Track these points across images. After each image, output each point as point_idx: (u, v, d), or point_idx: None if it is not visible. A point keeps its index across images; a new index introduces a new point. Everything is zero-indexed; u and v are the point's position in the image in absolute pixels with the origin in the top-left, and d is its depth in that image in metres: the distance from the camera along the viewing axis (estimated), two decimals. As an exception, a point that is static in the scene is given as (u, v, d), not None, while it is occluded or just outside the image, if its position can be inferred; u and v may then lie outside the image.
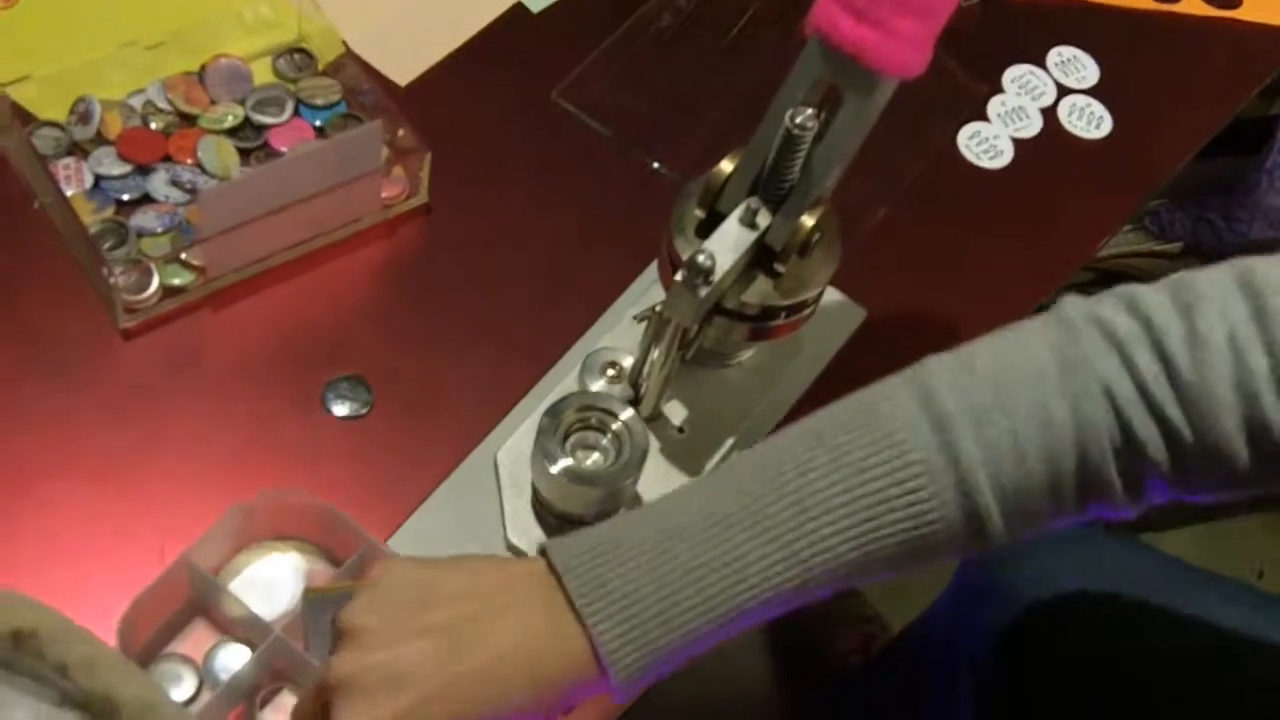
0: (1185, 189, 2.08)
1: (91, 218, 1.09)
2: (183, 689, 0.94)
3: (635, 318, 1.06)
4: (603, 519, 0.95)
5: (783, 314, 0.98)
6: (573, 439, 0.98)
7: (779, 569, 0.75)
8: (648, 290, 1.12)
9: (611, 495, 0.95)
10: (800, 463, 0.76)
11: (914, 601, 1.51)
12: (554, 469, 0.94)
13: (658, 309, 0.97)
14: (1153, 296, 0.75)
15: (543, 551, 0.78)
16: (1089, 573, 1.13)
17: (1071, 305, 0.78)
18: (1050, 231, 1.26)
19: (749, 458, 0.79)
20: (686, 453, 1.05)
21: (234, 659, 0.95)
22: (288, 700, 0.95)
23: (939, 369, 0.77)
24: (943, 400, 0.75)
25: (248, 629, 0.95)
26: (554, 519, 1.00)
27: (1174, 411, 0.73)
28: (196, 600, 0.97)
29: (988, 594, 1.20)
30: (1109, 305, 0.76)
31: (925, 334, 1.19)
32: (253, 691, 0.94)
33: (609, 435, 0.97)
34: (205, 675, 0.95)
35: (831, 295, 1.15)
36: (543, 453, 0.95)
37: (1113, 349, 0.74)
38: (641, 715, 1.75)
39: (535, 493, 1.00)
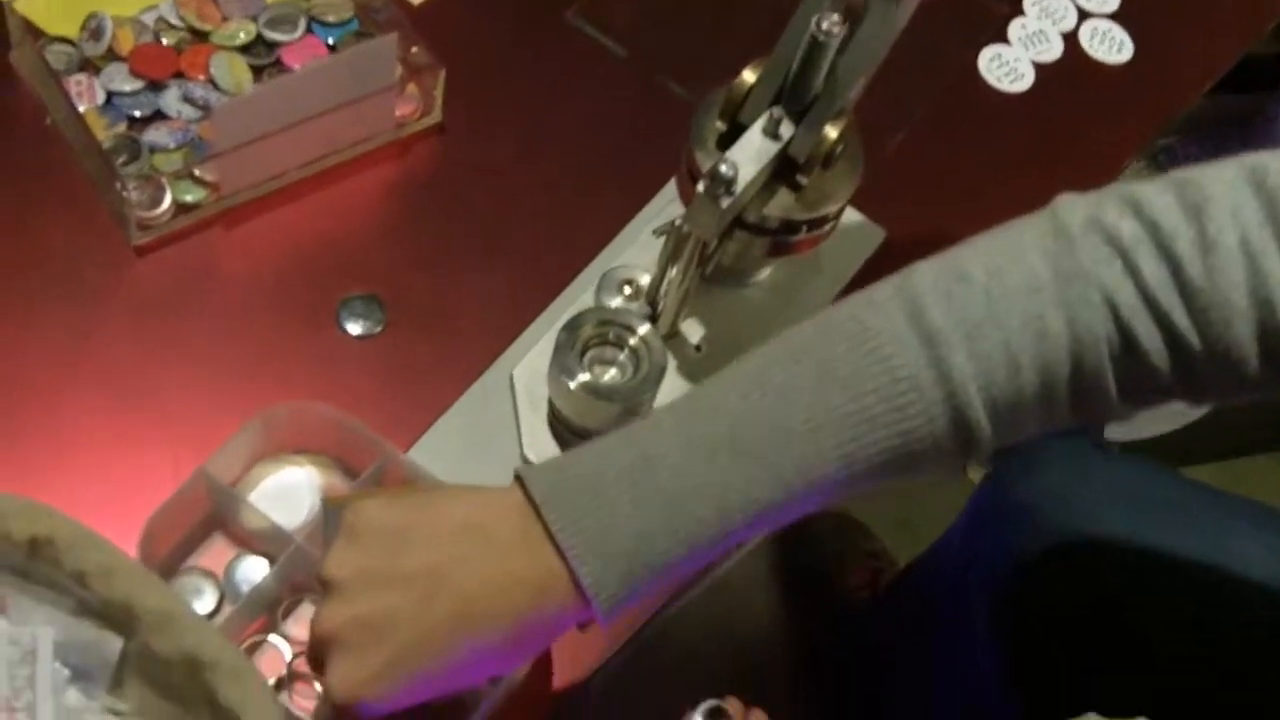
0: (1202, 124, 2.07)
1: (104, 133, 1.08)
2: (204, 602, 0.94)
3: (654, 232, 1.05)
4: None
5: (804, 228, 0.97)
6: (590, 354, 0.97)
7: (762, 491, 0.73)
8: (665, 208, 1.11)
9: (629, 411, 0.95)
10: (782, 380, 0.74)
11: (922, 536, 1.51)
12: (572, 384, 0.94)
13: (677, 223, 0.96)
14: (1158, 198, 0.72)
15: (518, 478, 0.75)
16: (1109, 494, 1.13)
17: (1068, 209, 0.75)
18: (1070, 156, 1.25)
19: (729, 376, 0.76)
20: (704, 371, 1.04)
21: (254, 571, 0.95)
22: (309, 612, 0.94)
23: (928, 281, 0.74)
24: (932, 314, 0.72)
25: (267, 541, 0.94)
26: (570, 435, 0.99)
27: (1181, 319, 0.71)
28: (215, 514, 0.96)
29: (1003, 519, 1.20)
30: (1111, 209, 0.73)
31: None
32: (274, 603, 0.94)
33: (626, 350, 0.97)
34: (226, 588, 0.95)
35: (851, 215, 1.14)
36: (560, 368, 0.94)
37: (1115, 255, 0.72)
38: (651, 654, 1.76)
39: (552, 409, 1.00)
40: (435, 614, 0.73)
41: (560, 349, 0.95)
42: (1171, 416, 1.89)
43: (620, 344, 0.97)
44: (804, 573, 1.87)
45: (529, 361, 1.03)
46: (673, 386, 1.02)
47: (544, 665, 0.95)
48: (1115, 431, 1.86)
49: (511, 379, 1.02)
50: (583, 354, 0.96)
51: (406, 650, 0.73)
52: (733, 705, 0.81)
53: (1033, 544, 1.14)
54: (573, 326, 0.96)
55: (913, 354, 0.72)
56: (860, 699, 1.66)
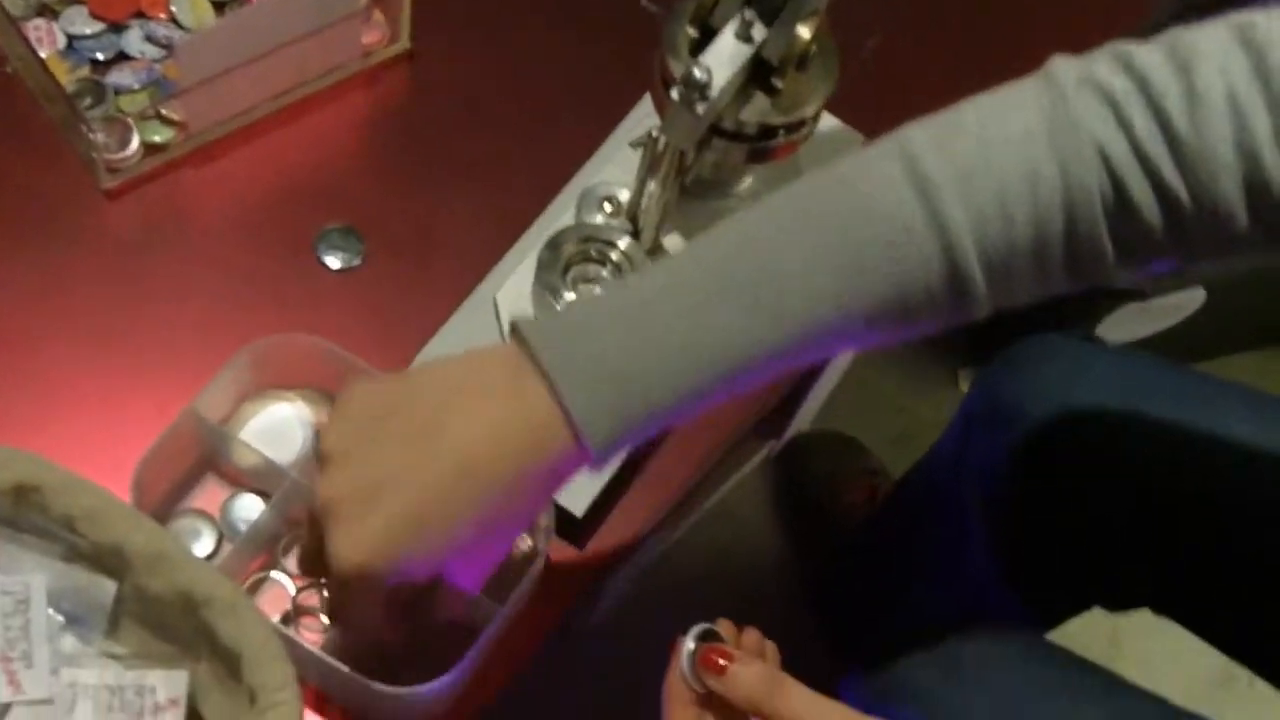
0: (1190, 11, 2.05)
1: (67, 78, 1.07)
2: (203, 544, 0.93)
3: (632, 144, 1.04)
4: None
5: (781, 133, 0.96)
6: (573, 272, 0.96)
7: (755, 336, 0.72)
8: (642, 123, 1.10)
9: None
10: (775, 231, 0.73)
11: (918, 452, 1.51)
12: (558, 304, 0.93)
13: (654, 134, 0.95)
14: (1148, 55, 0.72)
15: (513, 331, 0.75)
16: (1100, 386, 1.12)
17: (1062, 67, 0.74)
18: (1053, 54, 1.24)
19: (722, 229, 0.75)
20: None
21: (250, 509, 0.94)
22: (308, 547, 0.94)
23: (921, 135, 0.74)
24: (926, 165, 0.72)
25: (261, 477, 0.94)
26: (559, 355, 0.98)
27: (1170, 172, 0.70)
28: (206, 454, 0.95)
29: (994, 421, 1.19)
30: (1103, 65, 0.73)
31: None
32: (274, 540, 0.94)
33: (609, 266, 0.96)
34: (223, 528, 0.94)
35: (828, 122, 1.13)
36: (545, 287, 0.93)
37: (1108, 109, 0.72)
38: (651, 582, 1.76)
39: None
40: (435, 468, 0.72)
41: (543, 268, 0.94)
42: (1161, 316, 1.89)
43: (603, 260, 0.96)
44: (802, 493, 1.88)
45: (512, 284, 1.02)
46: (658, 301, 1.01)
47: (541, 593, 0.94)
48: (1106, 333, 1.85)
49: (495, 302, 1.01)
50: (565, 272, 0.95)
51: (408, 508, 0.72)
52: (724, 627, 0.81)
53: (1023, 442, 1.14)
54: (554, 245, 0.95)
55: (909, 205, 0.72)
56: (861, 612, 1.66)
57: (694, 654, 0.76)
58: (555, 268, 0.94)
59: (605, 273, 0.96)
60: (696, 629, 0.77)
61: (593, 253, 0.96)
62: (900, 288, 0.72)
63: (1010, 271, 0.73)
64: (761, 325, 0.72)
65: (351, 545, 0.72)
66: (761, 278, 0.72)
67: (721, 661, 0.75)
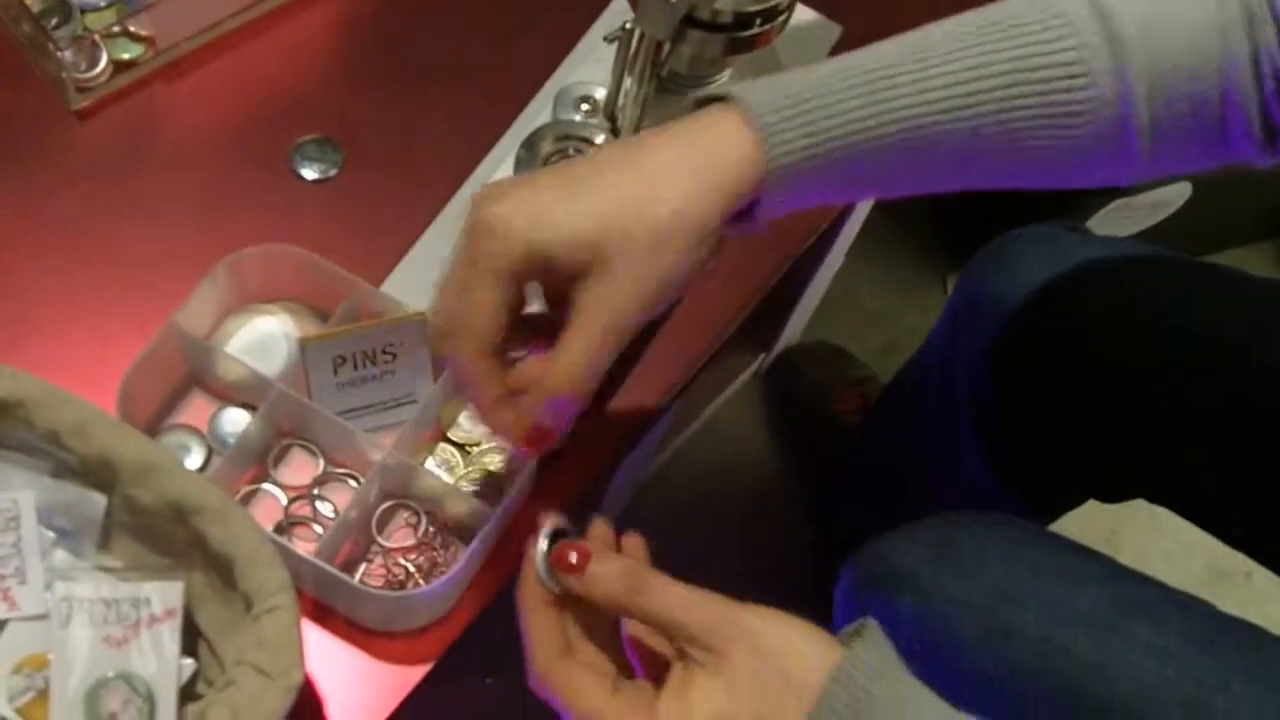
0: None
1: (32, -2, 1.05)
2: (192, 459, 0.92)
3: (606, 38, 1.02)
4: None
5: (757, 21, 0.94)
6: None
7: (935, 102, 0.74)
8: (618, 19, 1.08)
9: None
10: (955, 29, 0.77)
11: (904, 355, 1.51)
12: None
13: (629, 25, 0.94)
14: None
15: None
16: (1087, 273, 1.12)
17: None
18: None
19: (911, 34, 0.78)
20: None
21: (238, 422, 0.93)
22: (299, 457, 0.94)
23: None
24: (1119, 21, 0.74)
25: (247, 390, 0.93)
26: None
27: None
28: (192, 369, 0.95)
29: (980, 316, 1.19)
30: None
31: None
32: (264, 452, 0.93)
33: None
34: (212, 442, 0.93)
35: (804, 14, 1.12)
36: None
37: None
38: (648, 493, 1.76)
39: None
40: (600, 156, 0.74)
41: (521, 167, 0.93)
42: (1146, 212, 1.88)
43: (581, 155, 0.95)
44: (793, 405, 1.88)
45: (491, 187, 1.01)
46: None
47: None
48: (1096, 226, 1.85)
49: (476, 206, 1.00)
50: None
51: (564, 183, 0.73)
52: (598, 528, 0.77)
53: (1009, 331, 1.14)
54: (531, 145, 0.94)
55: (1094, 46, 0.74)
56: (858, 520, 1.66)
57: (547, 554, 0.72)
58: (533, 167, 0.93)
59: None
60: (548, 526, 0.73)
61: (570, 151, 0.95)
62: (1064, 117, 0.75)
63: (1174, 126, 0.76)
64: (944, 100, 0.75)
65: (499, 194, 0.73)
66: (945, 62, 0.75)
67: (575, 559, 0.71)
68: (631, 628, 0.73)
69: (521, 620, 0.73)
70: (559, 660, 0.71)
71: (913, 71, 0.75)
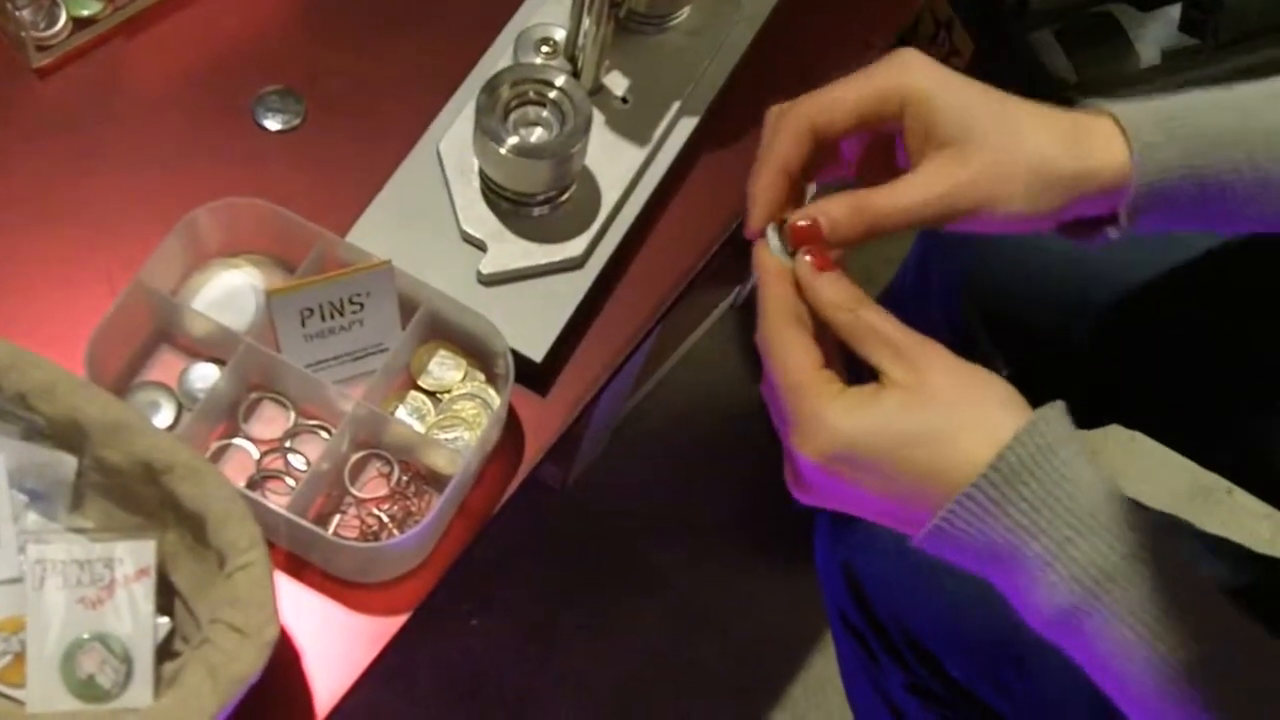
0: None
1: (-14, -44, 1.04)
2: (163, 416, 0.93)
3: (563, -23, 1.02)
4: (554, 197, 0.93)
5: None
6: (514, 116, 0.95)
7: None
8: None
9: (562, 166, 0.93)
10: None
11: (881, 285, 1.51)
12: (501, 149, 0.92)
13: (585, -34, 0.93)
14: None
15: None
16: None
17: None
18: None
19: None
20: (632, 122, 1.02)
21: (208, 377, 0.94)
22: (270, 411, 0.94)
23: None
24: None
25: (215, 344, 0.93)
26: (505, 203, 0.97)
27: None
28: (160, 326, 0.95)
29: (951, 239, 1.19)
30: None
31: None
32: (234, 407, 0.93)
33: (549, 106, 0.95)
34: (182, 398, 0.93)
35: (763, -52, 1.11)
36: (486, 133, 0.92)
37: None
38: (628, 428, 1.77)
39: (484, 177, 0.98)
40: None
41: (482, 114, 0.93)
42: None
43: (541, 101, 0.95)
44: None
45: (455, 132, 1.00)
46: (603, 141, 1.01)
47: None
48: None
49: (439, 153, 1.00)
50: (506, 117, 0.94)
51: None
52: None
53: (980, 258, 1.14)
54: (491, 89, 0.93)
55: None
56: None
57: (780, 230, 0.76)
58: (494, 112, 0.93)
59: (546, 113, 0.94)
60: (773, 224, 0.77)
61: (531, 94, 0.95)
62: None
63: None
64: None
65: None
66: None
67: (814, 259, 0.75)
68: None
69: (760, 283, 0.75)
70: (788, 325, 0.73)
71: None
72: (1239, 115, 0.79)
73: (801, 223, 0.76)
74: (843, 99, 0.78)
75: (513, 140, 0.92)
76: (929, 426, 0.69)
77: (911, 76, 0.77)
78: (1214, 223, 0.82)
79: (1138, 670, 0.67)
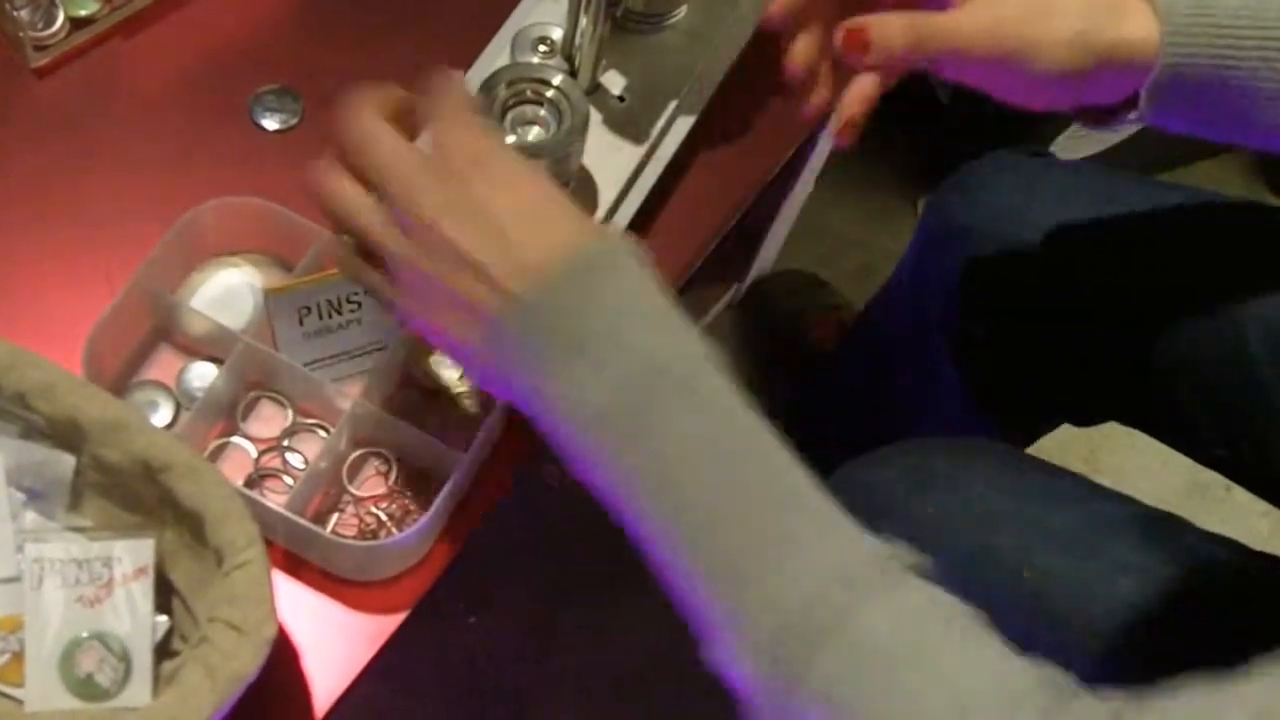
0: None
1: (-15, -44, 1.04)
2: (161, 414, 0.93)
3: (560, -23, 1.02)
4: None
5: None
6: (511, 115, 0.95)
7: None
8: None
9: (559, 165, 0.93)
10: None
11: (879, 281, 1.51)
12: None
13: (581, -35, 0.94)
14: None
15: None
16: (1053, 199, 1.12)
17: None
18: None
19: None
20: (630, 120, 1.02)
21: (206, 376, 0.94)
22: (268, 410, 0.94)
23: None
24: None
25: (214, 343, 0.93)
26: (505, 201, 0.97)
27: None
28: (158, 324, 0.95)
29: (949, 245, 1.19)
30: None
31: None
32: (232, 405, 0.93)
33: (546, 105, 0.95)
34: (180, 397, 0.94)
35: (760, -55, 1.11)
36: None
37: None
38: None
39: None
40: None
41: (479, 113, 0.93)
42: (1104, 135, 1.88)
43: (539, 100, 0.95)
44: (768, 334, 1.88)
45: (452, 133, 1.00)
46: (601, 140, 1.01)
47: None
48: (1060, 150, 1.85)
49: (437, 152, 1.00)
50: (503, 115, 0.94)
51: None
52: None
53: (977, 258, 1.14)
54: (488, 89, 0.93)
55: None
56: (836, 453, 1.67)
57: None
58: (492, 112, 0.93)
59: (543, 112, 0.94)
60: None
61: (528, 93, 0.94)
62: None
63: None
64: None
65: None
66: None
67: None
68: None
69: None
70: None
71: None
72: (1276, 10, 0.81)
73: (853, 25, 0.80)
74: None
75: (510, 139, 0.92)
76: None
77: None
78: (1231, 126, 0.85)
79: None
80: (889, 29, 0.80)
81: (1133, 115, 0.84)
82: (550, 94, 0.94)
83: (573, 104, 0.93)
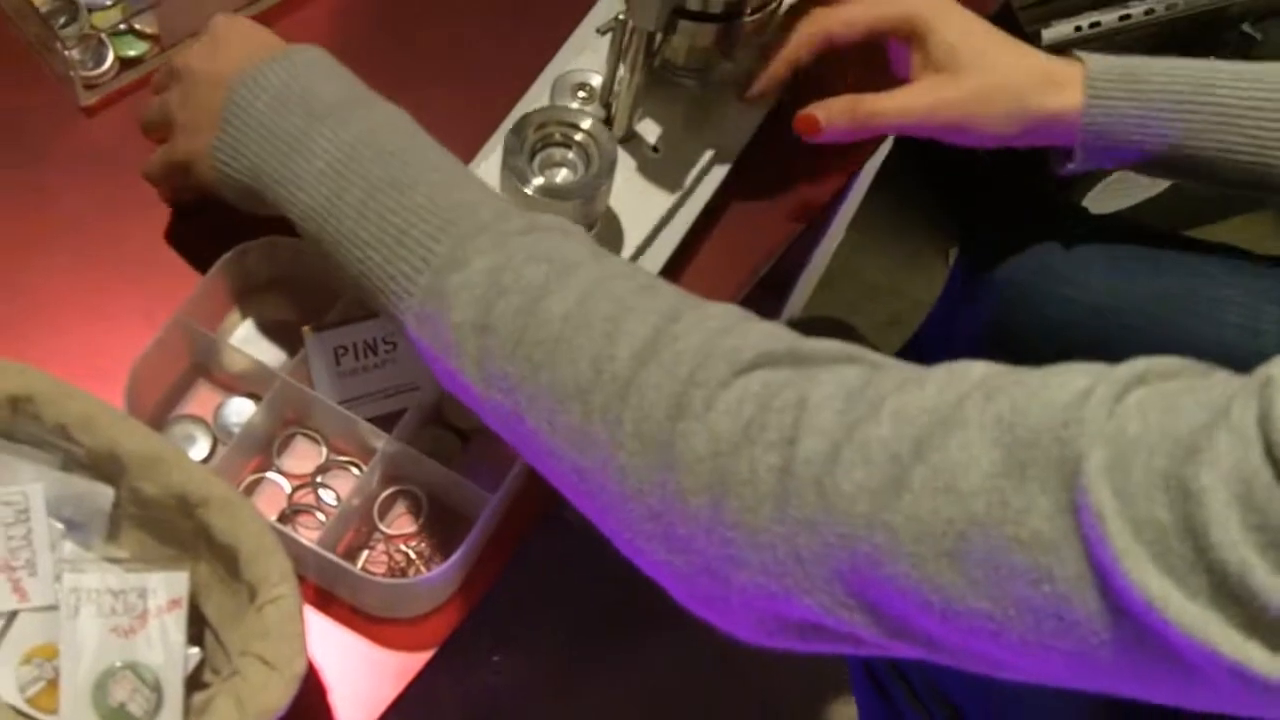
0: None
1: (39, -3, 1.07)
2: (198, 449, 0.94)
3: (599, 30, 1.04)
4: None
5: (748, 10, 0.96)
6: (540, 158, 0.97)
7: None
8: (611, 9, 1.10)
9: (586, 206, 0.95)
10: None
11: (910, 328, 1.52)
12: (528, 189, 0.93)
13: (620, 17, 0.95)
14: None
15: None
16: (1083, 253, 1.13)
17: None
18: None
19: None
20: (664, 169, 1.04)
21: (243, 412, 0.95)
22: (302, 445, 0.96)
23: None
24: None
25: (252, 380, 0.95)
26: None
27: None
28: (197, 360, 0.97)
29: (979, 290, 1.20)
30: None
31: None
32: (268, 441, 0.95)
33: (575, 148, 0.97)
34: (217, 432, 0.95)
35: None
36: (513, 173, 0.94)
37: None
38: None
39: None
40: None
41: (509, 154, 0.94)
42: (1145, 184, 1.89)
43: (568, 143, 0.97)
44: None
45: (483, 173, 1.02)
46: (632, 188, 1.02)
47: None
48: (1092, 204, 1.86)
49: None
50: (532, 157, 0.96)
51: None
52: None
53: (1007, 311, 1.15)
54: (519, 130, 0.95)
55: None
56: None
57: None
58: (521, 153, 0.94)
59: (571, 155, 0.96)
60: None
61: (557, 135, 0.96)
62: None
63: None
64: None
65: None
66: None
67: None
68: None
69: None
70: None
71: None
72: (1193, 88, 0.96)
73: (807, 113, 0.99)
74: (862, 19, 0.99)
75: (538, 181, 0.94)
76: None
77: (921, 7, 0.98)
78: (1156, 172, 1.02)
79: None
80: (833, 112, 0.99)
81: (1071, 165, 0.99)
82: (579, 137, 0.96)
83: (600, 147, 0.95)
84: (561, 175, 0.96)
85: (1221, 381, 0.56)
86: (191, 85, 0.90)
